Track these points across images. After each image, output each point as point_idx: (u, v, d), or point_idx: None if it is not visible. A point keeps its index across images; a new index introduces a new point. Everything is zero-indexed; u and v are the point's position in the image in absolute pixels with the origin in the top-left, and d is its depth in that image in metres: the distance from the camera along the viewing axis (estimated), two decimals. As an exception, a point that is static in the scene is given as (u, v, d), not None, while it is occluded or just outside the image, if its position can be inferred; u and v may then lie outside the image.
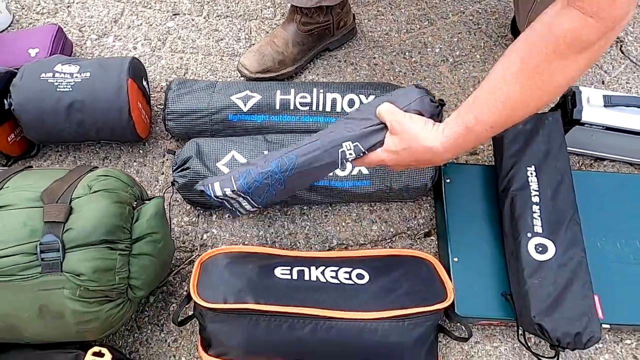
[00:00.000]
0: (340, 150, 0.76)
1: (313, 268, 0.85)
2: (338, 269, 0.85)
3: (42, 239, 0.67)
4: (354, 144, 0.75)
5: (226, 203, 0.82)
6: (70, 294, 0.68)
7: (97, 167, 0.80)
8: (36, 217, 0.69)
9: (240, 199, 0.81)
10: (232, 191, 0.78)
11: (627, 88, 1.20)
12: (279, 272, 0.83)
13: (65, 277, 0.67)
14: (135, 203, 0.77)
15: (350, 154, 0.76)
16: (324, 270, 0.85)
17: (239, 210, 0.85)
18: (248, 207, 0.83)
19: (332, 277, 0.84)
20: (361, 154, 0.76)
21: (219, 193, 0.79)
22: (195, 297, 0.75)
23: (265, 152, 0.94)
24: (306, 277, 0.83)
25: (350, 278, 0.84)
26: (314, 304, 0.77)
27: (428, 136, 0.72)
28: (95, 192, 0.72)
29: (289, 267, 0.84)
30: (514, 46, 0.69)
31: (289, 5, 1.11)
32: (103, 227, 0.69)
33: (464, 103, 0.72)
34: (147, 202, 0.79)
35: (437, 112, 0.79)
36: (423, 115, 0.75)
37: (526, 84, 0.67)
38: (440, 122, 0.75)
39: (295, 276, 0.83)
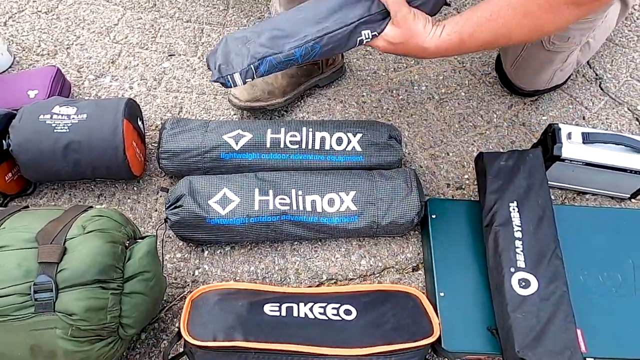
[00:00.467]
0: (359, 39, 0.83)
1: (302, 304, 0.86)
2: (326, 305, 0.87)
3: (36, 279, 0.69)
4: (373, 32, 0.82)
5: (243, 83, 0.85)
6: (62, 334, 0.69)
7: (91, 207, 0.83)
8: (31, 257, 0.71)
9: (254, 78, 0.84)
10: (253, 77, 0.83)
11: (607, 124, 1.25)
12: (268, 308, 0.84)
13: (58, 317, 0.69)
14: (127, 242, 0.79)
15: (366, 39, 0.83)
16: (312, 306, 0.86)
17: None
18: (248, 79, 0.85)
19: (320, 313, 0.86)
20: (370, 39, 0.83)
21: (239, 83, 0.83)
22: (185, 335, 0.77)
23: (256, 190, 0.97)
24: (295, 314, 0.85)
25: (338, 314, 0.86)
26: (303, 341, 0.79)
27: (426, 37, 0.80)
28: (89, 232, 0.75)
29: (278, 304, 0.86)
30: None
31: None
32: (96, 266, 0.71)
33: (465, 18, 0.80)
34: (139, 240, 0.81)
35: (441, 5, 0.85)
36: (426, 11, 0.82)
37: (520, 22, 0.76)
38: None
39: (284, 313, 0.84)
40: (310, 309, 0.86)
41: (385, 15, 0.82)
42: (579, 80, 1.32)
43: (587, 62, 1.35)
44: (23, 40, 1.31)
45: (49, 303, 0.69)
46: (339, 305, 0.88)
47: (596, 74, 1.34)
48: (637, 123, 1.26)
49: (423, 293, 0.94)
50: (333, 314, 0.86)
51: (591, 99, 1.29)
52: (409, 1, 0.81)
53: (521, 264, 0.88)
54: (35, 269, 0.70)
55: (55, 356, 0.70)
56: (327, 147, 1.05)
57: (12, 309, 0.68)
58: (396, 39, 0.82)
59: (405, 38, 0.81)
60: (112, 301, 0.73)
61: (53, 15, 1.36)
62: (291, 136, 1.04)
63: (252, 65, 0.82)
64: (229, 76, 0.83)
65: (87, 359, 0.72)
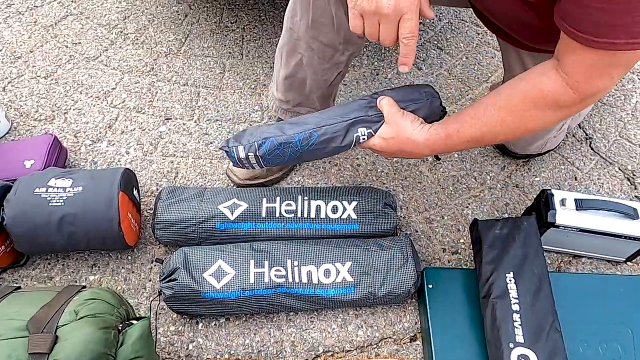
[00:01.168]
0: (355, 135, 0.89)
1: None
2: None
3: (26, 371, 0.67)
4: (368, 130, 0.89)
5: (244, 161, 0.92)
6: None
7: (84, 287, 0.82)
8: (21, 347, 0.69)
9: (254, 160, 0.91)
10: (254, 155, 0.89)
11: (599, 184, 1.26)
12: None
13: (47, 410, 0.67)
14: (121, 325, 0.78)
15: (363, 138, 0.89)
16: None
17: (247, 166, 0.93)
18: (256, 166, 0.93)
19: None
20: (366, 138, 0.89)
21: (242, 156, 0.90)
22: None
23: (251, 262, 0.97)
24: None
25: None
26: None
27: (414, 131, 0.86)
28: (82, 317, 0.74)
29: None
30: (504, 87, 0.81)
31: (277, 112, 1.16)
32: (87, 355, 0.70)
33: (453, 117, 0.85)
34: (133, 322, 0.80)
35: (439, 116, 0.93)
36: (420, 116, 0.89)
37: (504, 120, 0.80)
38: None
39: None
40: None
41: (381, 118, 0.89)
42: (569, 140, 1.35)
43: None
44: (21, 106, 1.32)
45: (38, 396, 0.67)
46: None
47: (586, 134, 1.36)
48: (629, 183, 1.27)
49: (421, 367, 0.92)
50: None
51: (582, 159, 1.31)
52: (403, 107, 0.89)
53: (520, 338, 0.87)
54: (25, 359, 0.68)
55: None
56: (322, 215, 1.05)
57: (0, 403, 0.66)
58: (388, 135, 0.88)
59: (396, 133, 0.87)
60: (104, 390, 0.71)
61: (52, 79, 1.39)
62: (287, 205, 1.05)
63: (255, 142, 0.90)
64: (234, 147, 0.91)
65: None
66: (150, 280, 1.05)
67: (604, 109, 1.43)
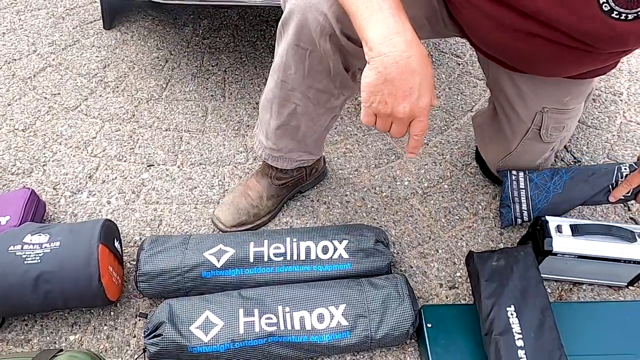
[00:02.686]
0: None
1: None
2: None
3: None
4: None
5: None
6: None
7: (61, 351, 0.76)
8: None
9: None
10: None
11: (592, 207, 1.24)
12: None
13: None
14: (101, 389, 0.72)
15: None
16: None
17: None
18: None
19: None
20: None
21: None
22: None
23: (240, 311, 0.92)
24: None
25: None
26: None
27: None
28: (57, 385, 0.68)
29: None
30: None
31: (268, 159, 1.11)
32: None
33: None
34: (114, 386, 0.74)
35: None
36: None
37: None
38: None
39: None
40: None
41: None
42: (558, 164, 1.33)
43: (565, 146, 1.37)
44: (-2, 160, 1.29)
45: None
46: None
47: (574, 157, 1.35)
48: (622, 205, 1.25)
49: (426, 414, 0.86)
50: None
51: (573, 183, 1.29)
52: None
53: (527, 376, 0.83)
54: None
55: None
56: (312, 256, 1.01)
57: None
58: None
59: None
60: None
61: (30, 132, 1.36)
62: (275, 248, 1.01)
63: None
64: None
65: None
66: (134, 337, 1.00)
67: (589, 132, 1.43)
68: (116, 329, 1.01)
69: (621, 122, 1.45)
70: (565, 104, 1.03)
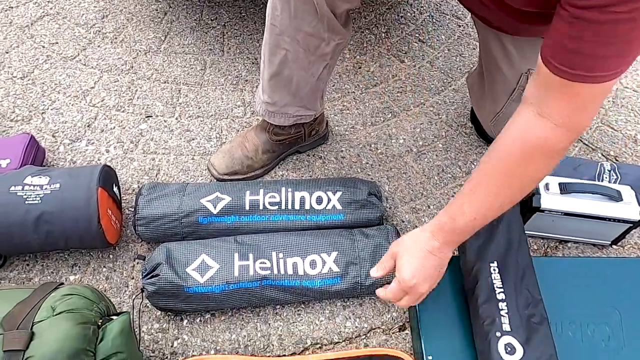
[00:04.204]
0: None
1: None
2: None
3: (1, 369, 0.65)
4: None
5: None
6: None
7: (62, 284, 0.79)
8: (-5, 345, 0.67)
9: None
10: None
11: (583, 170, 1.26)
12: None
13: (24, 409, 0.65)
14: (100, 321, 0.76)
15: None
16: None
17: None
18: None
19: None
20: None
21: None
22: None
23: (235, 255, 0.95)
24: None
25: None
26: None
27: (415, 235, 0.83)
28: (59, 313, 0.71)
29: None
30: (488, 156, 0.76)
31: (265, 115, 1.13)
32: (65, 351, 0.68)
33: (449, 202, 0.81)
34: (113, 317, 0.78)
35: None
36: None
37: (499, 190, 0.76)
38: None
39: None
40: None
41: None
42: (552, 128, 1.35)
43: (559, 110, 1.38)
44: (-3, 107, 1.29)
45: (14, 394, 0.64)
46: None
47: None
48: (612, 168, 1.28)
49: (411, 355, 0.91)
50: None
51: (565, 146, 1.31)
52: None
53: (506, 327, 0.86)
54: (0, 357, 0.66)
55: None
56: (307, 206, 1.04)
57: (-26, 403, 0.64)
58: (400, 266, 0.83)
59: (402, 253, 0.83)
60: (84, 387, 0.68)
61: (29, 80, 1.36)
62: (270, 197, 1.03)
63: None
64: None
65: None
66: (132, 279, 1.03)
67: (585, 97, 1.44)
68: (115, 270, 1.04)
69: (617, 88, 1.46)
70: None
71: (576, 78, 0.64)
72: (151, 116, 1.30)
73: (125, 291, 1.02)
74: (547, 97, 0.69)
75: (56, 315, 0.71)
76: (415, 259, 0.81)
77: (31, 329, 0.69)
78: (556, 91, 0.67)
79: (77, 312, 0.73)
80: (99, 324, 0.75)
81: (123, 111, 1.31)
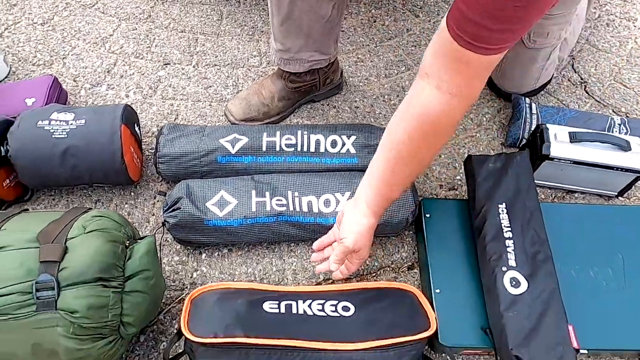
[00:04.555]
0: None
1: (300, 302, 0.87)
2: (324, 302, 0.88)
3: (38, 278, 0.70)
4: None
5: None
6: (63, 332, 0.70)
7: (90, 209, 0.84)
8: (32, 257, 0.71)
9: None
10: None
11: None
12: (267, 306, 0.85)
13: (60, 315, 0.69)
14: (127, 242, 0.80)
15: None
16: (310, 303, 0.87)
17: None
18: None
19: (319, 309, 0.87)
20: None
21: None
22: (185, 332, 0.77)
23: (253, 192, 0.99)
24: (294, 311, 0.86)
25: (336, 310, 0.87)
26: (302, 337, 0.80)
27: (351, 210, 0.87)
28: (90, 232, 0.76)
29: (277, 302, 0.87)
30: (390, 136, 0.80)
31: (280, 63, 1.14)
32: (97, 265, 0.72)
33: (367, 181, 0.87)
34: (139, 241, 0.82)
35: None
36: None
37: (410, 165, 0.81)
38: None
39: (283, 310, 0.85)
40: (309, 306, 0.87)
41: None
42: (564, 84, 1.36)
43: (572, 66, 1.39)
44: (19, 51, 1.32)
45: (50, 301, 0.69)
46: (337, 302, 0.88)
47: (581, 78, 1.38)
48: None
49: (419, 290, 0.95)
50: (331, 311, 0.87)
51: (577, 102, 1.32)
52: None
53: (512, 263, 0.90)
54: (36, 268, 0.71)
55: (56, 354, 0.70)
56: (322, 149, 1.07)
57: (13, 307, 0.69)
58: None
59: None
60: (114, 299, 0.73)
61: (48, 26, 1.38)
62: (286, 139, 1.06)
63: None
64: None
65: (88, 358, 0.72)
66: (153, 215, 1.08)
67: (599, 55, 1.44)
68: (136, 207, 1.08)
69: (632, 47, 1.46)
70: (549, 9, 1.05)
71: (469, 46, 0.66)
72: (169, 64, 1.33)
73: (147, 226, 1.06)
74: (444, 67, 0.71)
75: (87, 233, 0.75)
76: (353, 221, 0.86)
77: (65, 243, 0.73)
78: (451, 60, 0.70)
79: (107, 232, 0.77)
80: (127, 244, 0.80)
81: (141, 58, 1.33)
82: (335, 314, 0.86)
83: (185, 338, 0.78)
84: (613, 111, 1.31)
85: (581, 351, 0.88)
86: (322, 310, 0.86)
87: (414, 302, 0.90)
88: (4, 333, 0.69)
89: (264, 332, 0.79)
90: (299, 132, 1.07)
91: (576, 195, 1.16)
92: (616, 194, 1.14)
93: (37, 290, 0.69)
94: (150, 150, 1.16)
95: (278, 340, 0.78)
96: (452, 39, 0.67)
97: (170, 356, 0.82)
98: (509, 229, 0.94)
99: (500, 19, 0.62)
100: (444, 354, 0.91)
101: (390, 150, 0.79)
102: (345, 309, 0.87)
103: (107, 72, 1.30)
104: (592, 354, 0.92)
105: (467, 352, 0.92)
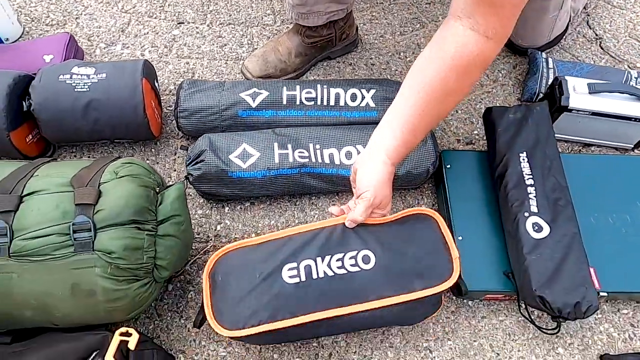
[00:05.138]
0: None
1: (319, 260, 0.82)
2: (343, 256, 0.83)
3: (75, 219, 0.71)
4: None
5: None
6: (101, 272, 0.71)
7: (120, 157, 0.84)
8: (67, 200, 0.72)
9: None
10: None
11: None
12: (287, 275, 0.81)
13: (97, 256, 0.71)
14: (158, 188, 0.81)
15: None
16: (329, 261, 0.82)
17: None
18: None
19: (338, 267, 0.81)
20: None
21: None
22: (214, 326, 0.77)
23: (275, 144, 0.99)
24: (314, 275, 0.81)
25: (356, 264, 0.82)
26: (328, 306, 0.79)
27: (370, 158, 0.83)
28: (122, 177, 0.77)
29: (296, 264, 0.82)
30: (428, 76, 0.78)
31: (297, 18, 1.14)
32: (131, 207, 0.73)
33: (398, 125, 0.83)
34: (168, 187, 0.83)
35: None
36: None
37: (442, 107, 0.82)
38: None
39: (303, 277, 0.81)
40: (329, 265, 0.82)
41: None
42: (579, 40, 1.36)
43: (587, 23, 1.38)
44: (31, 11, 1.31)
45: (87, 242, 0.71)
46: (357, 252, 0.83)
47: (596, 34, 1.37)
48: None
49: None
50: (351, 265, 0.82)
51: (592, 58, 1.32)
52: None
53: (534, 208, 0.91)
54: (72, 210, 0.72)
55: (94, 294, 0.72)
56: (341, 103, 1.07)
57: (52, 248, 0.70)
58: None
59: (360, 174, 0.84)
60: (148, 242, 0.74)
61: (59, -14, 1.37)
62: (307, 93, 1.07)
63: None
64: None
65: (125, 298, 0.74)
66: (175, 170, 1.08)
67: (614, 11, 1.43)
68: (157, 163, 1.09)
69: (647, 4, 1.45)
70: None
71: None
72: (183, 22, 1.32)
73: (169, 181, 1.07)
74: (478, 9, 0.72)
75: (119, 177, 0.76)
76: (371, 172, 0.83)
77: (98, 187, 0.74)
78: (485, 4, 0.71)
79: (138, 177, 0.78)
80: (157, 190, 0.81)
81: (155, 17, 1.32)
82: (356, 269, 0.81)
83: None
84: (628, 66, 1.31)
85: (601, 293, 0.90)
86: (342, 267, 0.82)
87: (437, 239, 0.85)
88: (43, 274, 0.70)
89: (289, 311, 0.78)
90: (319, 86, 1.07)
91: (592, 148, 1.17)
92: (632, 146, 1.15)
93: (74, 232, 0.70)
94: (168, 108, 1.16)
95: (304, 317, 0.77)
96: None
97: (199, 322, 0.82)
98: (530, 176, 0.95)
99: None
100: (465, 300, 0.93)
101: (418, 93, 0.79)
102: (366, 259, 0.82)
103: (122, 31, 1.29)
104: (610, 297, 0.95)
105: (489, 297, 0.94)
